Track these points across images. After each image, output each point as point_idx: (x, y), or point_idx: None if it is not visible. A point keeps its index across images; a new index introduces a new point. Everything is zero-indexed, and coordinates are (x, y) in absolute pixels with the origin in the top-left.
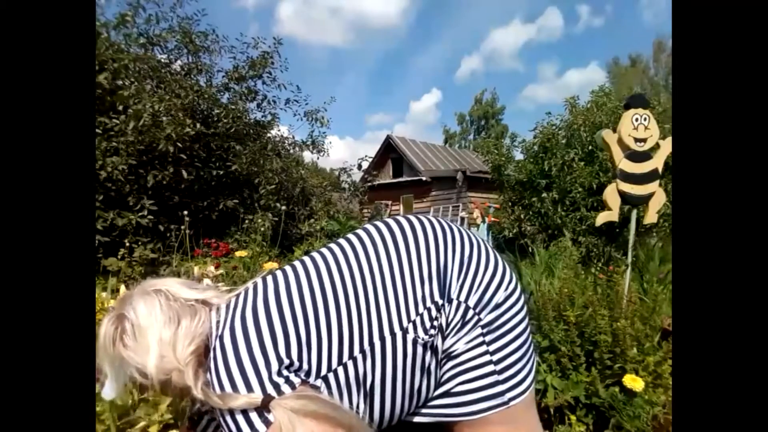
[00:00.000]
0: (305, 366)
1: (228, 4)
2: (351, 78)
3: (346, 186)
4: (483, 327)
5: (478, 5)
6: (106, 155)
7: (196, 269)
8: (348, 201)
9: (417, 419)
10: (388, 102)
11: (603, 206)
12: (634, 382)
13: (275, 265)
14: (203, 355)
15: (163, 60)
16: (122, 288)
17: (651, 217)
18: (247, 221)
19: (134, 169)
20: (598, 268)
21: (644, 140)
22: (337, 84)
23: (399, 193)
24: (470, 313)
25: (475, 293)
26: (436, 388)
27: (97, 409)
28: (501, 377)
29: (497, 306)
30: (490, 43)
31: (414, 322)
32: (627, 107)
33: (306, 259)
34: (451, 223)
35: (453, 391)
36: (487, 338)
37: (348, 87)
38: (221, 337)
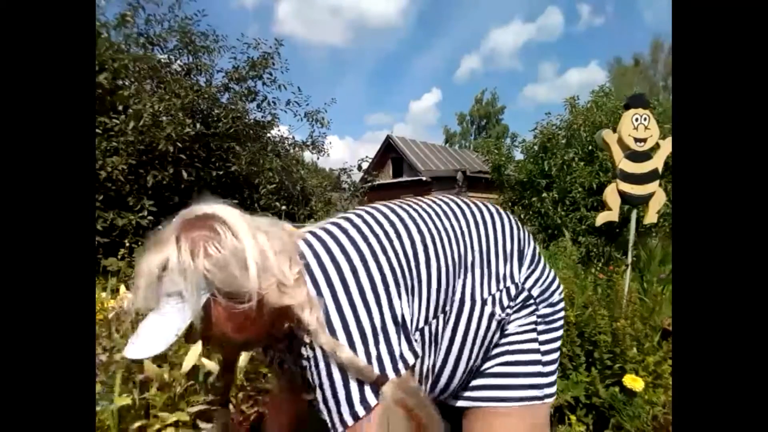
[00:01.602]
0: (407, 315)
1: (227, 4)
2: (351, 78)
3: (346, 186)
4: (538, 317)
5: (478, 5)
6: (106, 155)
7: None
8: (348, 201)
9: (459, 403)
10: (388, 102)
11: (603, 206)
12: (634, 382)
13: None
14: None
15: (163, 60)
16: (122, 288)
17: (651, 217)
18: None
19: (134, 169)
20: (598, 268)
21: (644, 140)
22: (337, 84)
23: (399, 193)
24: (531, 301)
25: (539, 286)
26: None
27: (97, 409)
28: (545, 370)
29: (552, 305)
30: (489, 43)
31: (493, 297)
32: (627, 107)
33: (397, 209)
34: None
35: (492, 371)
36: (539, 328)
37: (348, 87)
38: (317, 282)
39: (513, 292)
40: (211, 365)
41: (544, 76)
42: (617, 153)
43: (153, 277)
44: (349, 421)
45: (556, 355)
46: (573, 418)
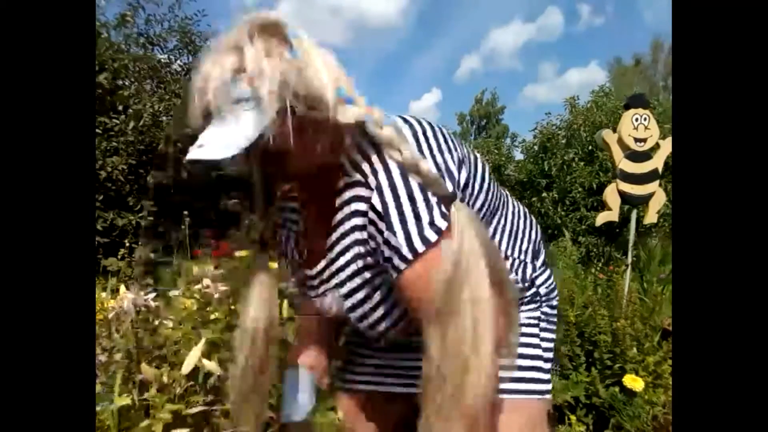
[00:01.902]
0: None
1: (227, 4)
2: (351, 78)
3: None
4: (542, 314)
5: (478, 5)
6: (106, 155)
7: (195, 269)
8: None
9: None
10: (388, 102)
11: (603, 206)
12: (634, 382)
13: (276, 265)
14: None
15: (163, 60)
16: (122, 288)
17: (651, 217)
18: (247, 221)
19: (134, 169)
20: (598, 268)
21: (644, 140)
22: None
23: None
24: (538, 297)
25: (546, 287)
26: None
27: (97, 409)
28: (545, 366)
29: (552, 307)
30: (489, 43)
31: (513, 260)
32: (627, 107)
33: None
34: None
35: None
36: (542, 325)
37: None
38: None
39: (528, 272)
40: (212, 366)
41: (544, 76)
42: (617, 153)
43: (224, 80)
44: (432, 236)
45: (551, 355)
46: (573, 418)
